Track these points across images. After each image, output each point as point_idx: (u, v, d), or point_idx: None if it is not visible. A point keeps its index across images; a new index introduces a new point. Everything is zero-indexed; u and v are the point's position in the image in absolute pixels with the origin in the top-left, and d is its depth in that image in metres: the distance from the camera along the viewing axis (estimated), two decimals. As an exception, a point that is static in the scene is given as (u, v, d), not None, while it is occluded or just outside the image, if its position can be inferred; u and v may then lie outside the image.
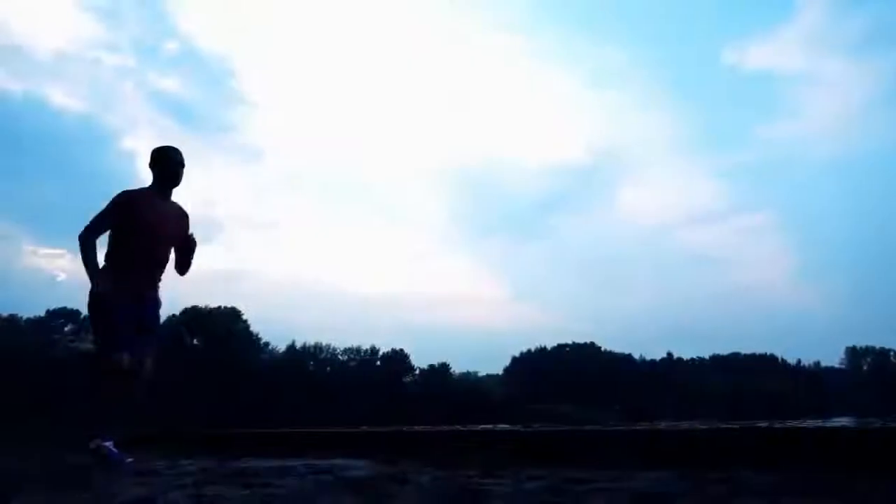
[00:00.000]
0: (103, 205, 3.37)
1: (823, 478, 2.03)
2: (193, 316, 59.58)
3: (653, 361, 79.79)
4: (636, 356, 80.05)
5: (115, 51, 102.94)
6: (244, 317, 63.73)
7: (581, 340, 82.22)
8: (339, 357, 73.48)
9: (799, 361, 79.75)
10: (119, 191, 3.46)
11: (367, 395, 60.93)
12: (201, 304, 60.93)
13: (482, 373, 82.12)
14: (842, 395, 67.66)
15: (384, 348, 73.62)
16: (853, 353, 78.34)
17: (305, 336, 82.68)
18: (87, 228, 3.33)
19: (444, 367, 75.40)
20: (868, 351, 77.93)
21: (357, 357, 73.22)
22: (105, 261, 3.40)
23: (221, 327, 59.37)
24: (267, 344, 67.30)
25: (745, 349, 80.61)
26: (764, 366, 77.35)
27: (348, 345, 73.43)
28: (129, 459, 3.22)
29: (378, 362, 73.23)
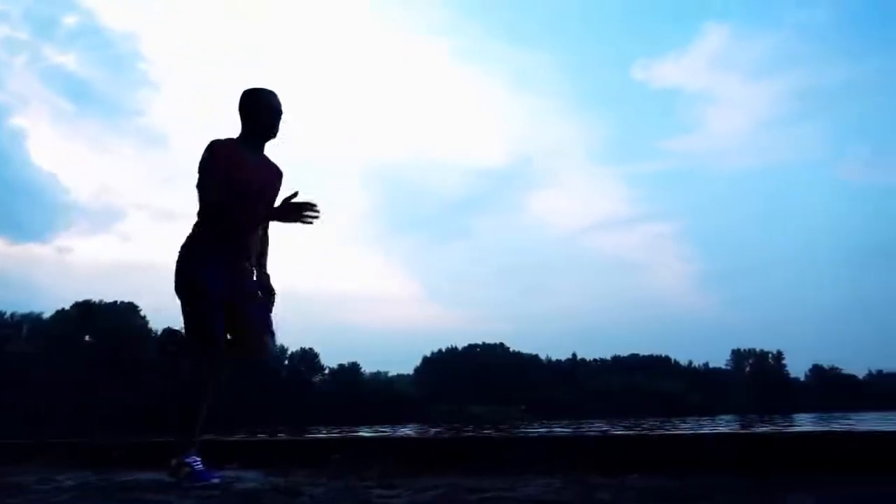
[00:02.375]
0: (198, 158, 2.68)
1: (708, 482, 2.15)
2: (86, 310, 55.68)
3: (559, 362, 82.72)
4: (543, 357, 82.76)
5: (5, 21, 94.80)
6: (142, 312, 60.25)
7: (491, 341, 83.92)
8: (245, 356, 70.84)
9: (690, 363, 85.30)
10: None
11: (274, 395, 59.25)
12: (95, 298, 57.13)
13: (393, 373, 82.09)
14: (727, 395, 72.94)
15: (292, 347, 71.90)
16: (738, 355, 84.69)
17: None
18: (203, 196, 2.65)
19: (354, 367, 74.66)
20: (750, 353, 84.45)
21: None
22: (195, 228, 2.74)
23: (117, 323, 55.78)
24: (167, 342, 63.98)
25: (644, 351, 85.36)
26: (659, 366, 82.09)
27: (254, 343, 70.88)
28: (218, 476, 2.59)
29: (286, 361, 71.38)
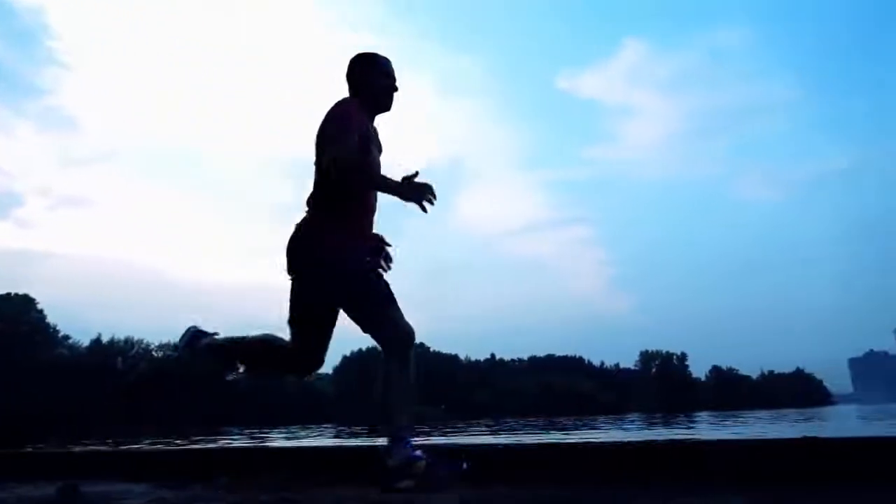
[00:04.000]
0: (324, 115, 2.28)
1: (581, 493, 2.24)
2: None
3: (478, 362, 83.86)
4: (463, 357, 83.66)
5: None
6: (39, 305, 56.13)
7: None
8: (154, 353, 67.68)
9: (602, 363, 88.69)
10: None
11: (187, 395, 56.77)
12: (-16, 289, 52.71)
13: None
14: (635, 394, 76.41)
15: (207, 344, 68.93)
16: (645, 356, 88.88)
17: (115, 329, 74.97)
18: (339, 150, 2.17)
19: (271, 366, 72.56)
20: (657, 354, 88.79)
21: (174, 353, 67.93)
22: (324, 201, 2.29)
23: (11, 317, 51.68)
24: (67, 337, 59.89)
25: (559, 351, 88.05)
26: (573, 366, 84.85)
27: (165, 340, 67.94)
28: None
29: (199, 360, 68.47)
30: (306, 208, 2.36)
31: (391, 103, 2.41)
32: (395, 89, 2.40)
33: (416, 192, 2.18)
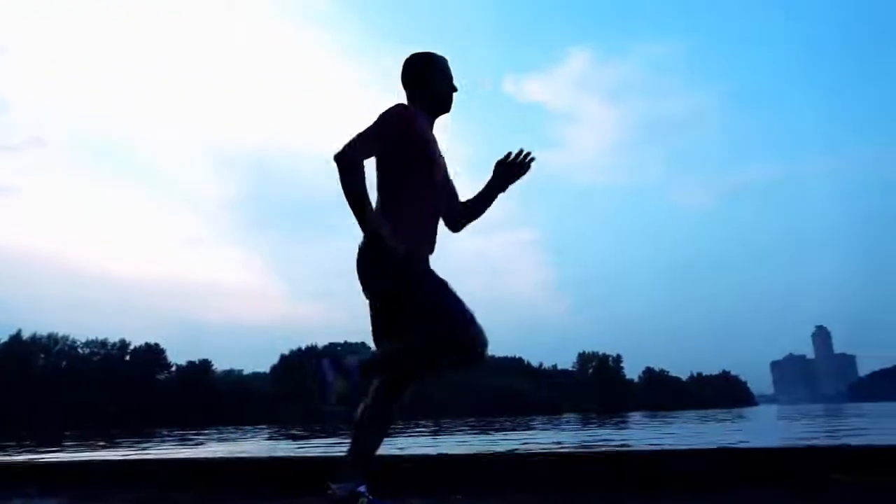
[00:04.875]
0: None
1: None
2: None
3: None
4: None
5: None
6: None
7: (353, 339, 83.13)
8: (80, 351, 64.59)
9: (541, 364, 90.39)
10: None
11: (113, 394, 54.37)
12: None
13: (248, 371, 78.56)
14: (572, 395, 78.23)
15: (136, 342, 66.45)
16: (583, 358, 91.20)
17: (37, 325, 71.15)
18: (351, 145, 2.02)
19: (205, 364, 70.52)
20: (594, 356, 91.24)
21: (102, 351, 65.01)
22: (386, 204, 2.14)
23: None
24: (-18, 332, 56.63)
25: (500, 352, 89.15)
26: (514, 367, 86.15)
27: (92, 336, 64.96)
28: None
29: (127, 357, 65.81)
30: None
31: (451, 106, 2.28)
32: (455, 90, 2.28)
33: (507, 176, 2.20)
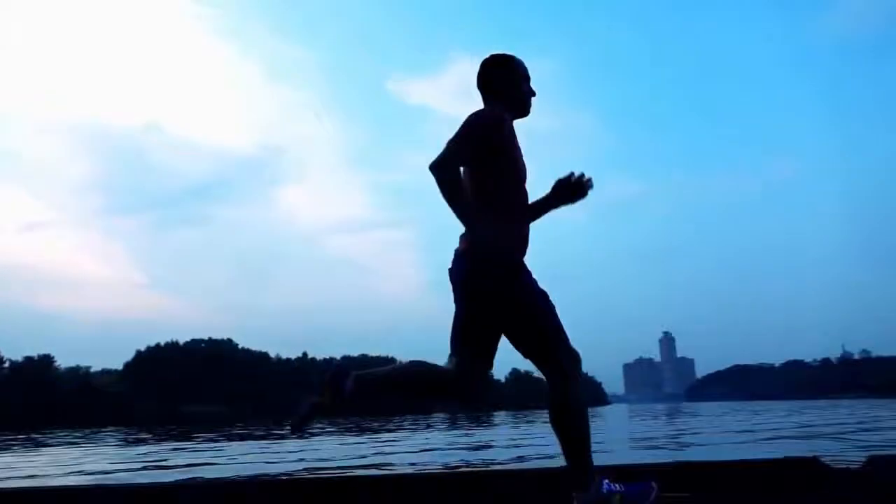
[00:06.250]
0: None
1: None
2: None
3: (289, 360, 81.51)
4: (273, 355, 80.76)
5: None
6: None
7: (218, 336, 79.27)
8: None
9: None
10: None
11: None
12: None
13: (97, 368, 72.09)
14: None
15: (-39, 334, 58.72)
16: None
17: None
18: (446, 153, 1.92)
19: (46, 360, 63.83)
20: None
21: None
22: (483, 209, 2.01)
23: None
24: None
25: (373, 351, 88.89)
26: (385, 366, 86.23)
27: None
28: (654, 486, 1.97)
29: (-52, 352, 57.99)
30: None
31: (530, 110, 2.21)
32: (535, 94, 2.21)
33: (566, 196, 2.12)
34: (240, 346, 79.21)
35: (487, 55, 2.20)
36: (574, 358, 2.01)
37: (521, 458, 6.24)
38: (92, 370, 71.14)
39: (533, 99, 2.20)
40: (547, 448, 7.49)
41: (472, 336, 2.07)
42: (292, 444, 11.33)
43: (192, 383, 67.06)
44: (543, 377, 2.02)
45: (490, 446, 8.77)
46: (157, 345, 75.37)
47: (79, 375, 68.06)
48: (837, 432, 8.58)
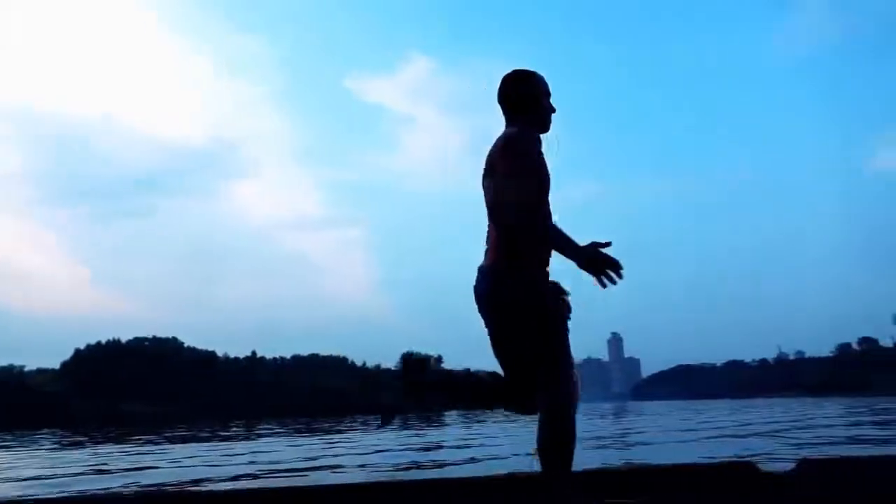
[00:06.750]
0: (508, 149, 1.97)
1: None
2: None
3: (237, 359, 79.75)
4: (220, 354, 78.87)
5: None
6: None
7: (163, 335, 77.02)
8: None
9: (364, 363, 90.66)
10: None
11: None
12: None
13: (31, 367, 68.87)
14: (394, 395, 79.58)
15: None
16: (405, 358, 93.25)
17: None
18: (522, 200, 1.93)
19: (-26, 359, 60.58)
20: (416, 356, 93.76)
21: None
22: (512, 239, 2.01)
23: None
24: None
25: (323, 350, 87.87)
26: (336, 366, 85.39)
27: None
28: None
29: None
30: (486, 246, 2.11)
31: (550, 126, 2.18)
32: (555, 110, 2.19)
33: (596, 265, 1.95)
34: (185, 345, 77.08)
35: (510, 70, 2.18)
36: (571, 392, 1.99)
37: (472, 460, 6.27)
38: (26, 369, 67.95)
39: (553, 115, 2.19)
40: (498, 448, 7.56)
41: (507, 352, 2.08)
42: (240, 445, 11.08)
43: (134, 383, 64.87)
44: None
45: (441, 447, 8.79)
46: (98, 343, 72.66)
47: (12, 375, 64.89)
48: (773, 430, 8.95)
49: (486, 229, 2.11)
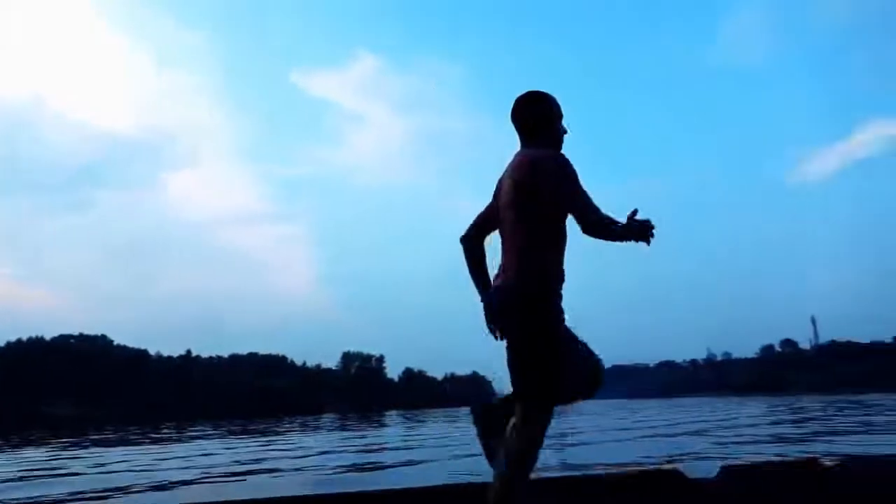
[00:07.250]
0: (558, 171, 2.03)
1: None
2: None
3: (170, 358, 76.93)
4: (153, 352, 75.90)
5: None
6: None
7: (91, 332, 73.50)
8: None
9: (304, 362, 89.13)
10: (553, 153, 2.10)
11: None
12: None
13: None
14: (334, 394, 78.58)
15: None
16: (347, 357, 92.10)
17: None
18: (591, 213, 2.00)
19: None
20: (357, 356, 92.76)
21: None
22: (539, 244, 2.08)
23: None
24: None
25: (262, 349, 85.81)
26: (276, 365, 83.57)
27: None
28: None
29: None
30: (503, 263, 2.16)
31: (562, 147, 2.23)
32: (567, 132, 2.24)
33: (640, 231, 1.98)
34: (115, 343, 73.82)
35: (523, 92, 2.24)
36: (548, 422, 2.07)
37: (411, 462, 6.27)
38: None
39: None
40: (438, 451, 7.58)
41: (520, 368, 2.11)
42: (172, 449, 10.71)
43: (58, 383, 61.64)
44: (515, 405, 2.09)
45: (383, 449, 8.74)
46: (19, 340, 68.72)
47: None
48: (701, 430, 9.34)
49: (502, 246, 2.16)
